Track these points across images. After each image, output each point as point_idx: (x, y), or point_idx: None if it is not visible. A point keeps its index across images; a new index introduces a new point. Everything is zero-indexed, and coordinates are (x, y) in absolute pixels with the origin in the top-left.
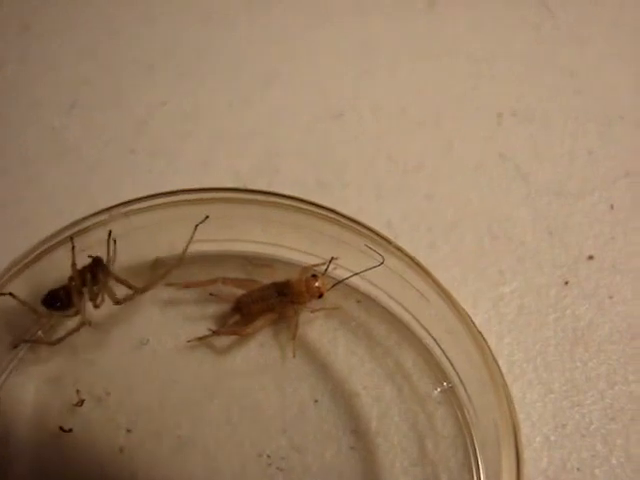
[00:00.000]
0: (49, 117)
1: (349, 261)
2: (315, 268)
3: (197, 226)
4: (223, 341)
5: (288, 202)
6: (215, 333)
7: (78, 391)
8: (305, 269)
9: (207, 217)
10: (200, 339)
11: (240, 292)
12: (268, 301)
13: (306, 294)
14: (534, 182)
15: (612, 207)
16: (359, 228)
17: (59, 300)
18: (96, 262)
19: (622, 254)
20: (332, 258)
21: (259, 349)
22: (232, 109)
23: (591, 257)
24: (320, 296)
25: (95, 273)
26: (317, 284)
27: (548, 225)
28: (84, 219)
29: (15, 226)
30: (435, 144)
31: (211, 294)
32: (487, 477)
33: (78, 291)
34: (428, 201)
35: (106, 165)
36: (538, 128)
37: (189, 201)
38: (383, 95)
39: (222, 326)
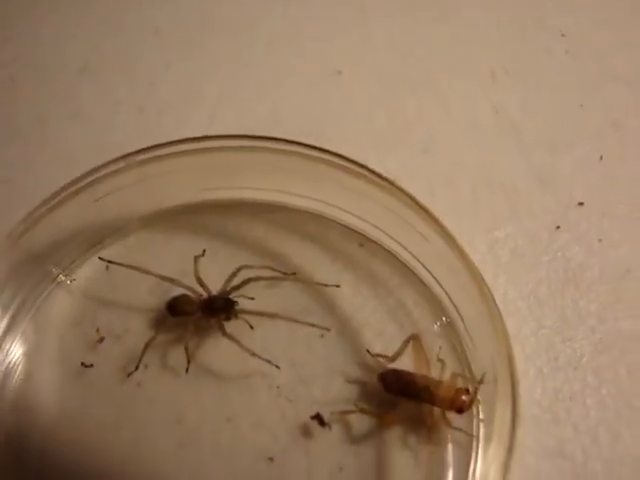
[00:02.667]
0: (61, 81)
1: (352, 204)
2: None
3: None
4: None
5: (294, 148)
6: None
7: (98, 329)
8: (454, 376)
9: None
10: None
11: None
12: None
13: (447, 402)
14: (527, 135)
15: (601, 158)
16: (361, 171)
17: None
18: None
19: (610, 201)
20: (480, 382)
21: (267, 290)
22: (235, 70)
23: (581, 204)
24: (459, 411)
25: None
26: (464, 398)
27: (540, 175)
28: (101, 167)
29: (31, 183)
30: (432, 101)
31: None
32: (486, 406)
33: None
34: (426, 154)
35: (117, 124)
36: (530, 85)
37: (202, 150)
38: (380, 56)
39: None
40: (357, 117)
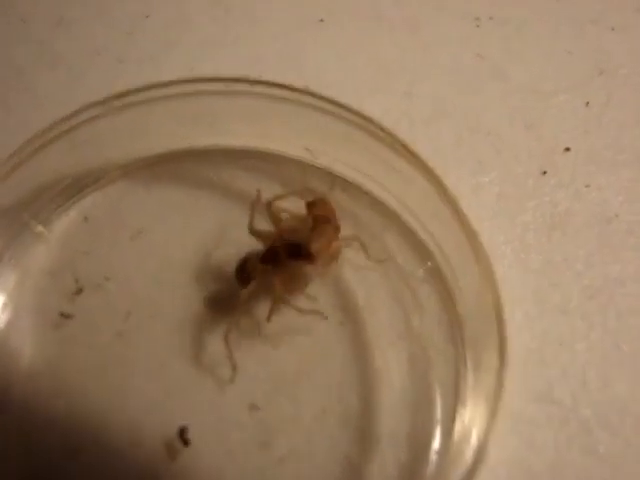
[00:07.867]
0: (38, 32)
1: (335, 148)
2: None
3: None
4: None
5: (275, 91)
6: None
7: (77, 280)
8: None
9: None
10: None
11: None
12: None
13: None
14: (511, 80)
15: (587, 104)
16: (344, 112)
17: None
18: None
19: (597, 146)
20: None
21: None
22: (216, 19)
23: (568, 149)
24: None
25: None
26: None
27: (525, 120)
28: (77, 112)
29: (11, 129)
30: (414, 47)
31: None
32: (472, 349)
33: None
34: (409, 98)
35: (96, 74)
36: (515, 31)
37: (180, 95)
38: (361, 2)
39: None
40: (339, 63)
